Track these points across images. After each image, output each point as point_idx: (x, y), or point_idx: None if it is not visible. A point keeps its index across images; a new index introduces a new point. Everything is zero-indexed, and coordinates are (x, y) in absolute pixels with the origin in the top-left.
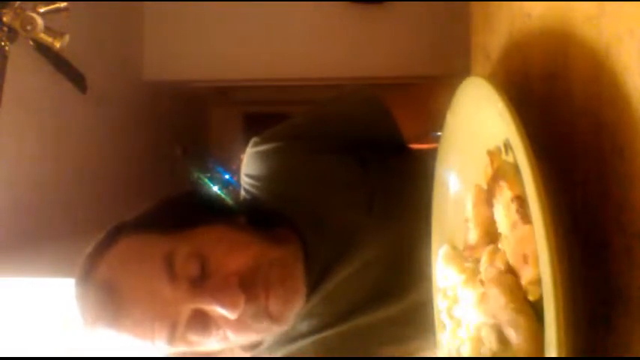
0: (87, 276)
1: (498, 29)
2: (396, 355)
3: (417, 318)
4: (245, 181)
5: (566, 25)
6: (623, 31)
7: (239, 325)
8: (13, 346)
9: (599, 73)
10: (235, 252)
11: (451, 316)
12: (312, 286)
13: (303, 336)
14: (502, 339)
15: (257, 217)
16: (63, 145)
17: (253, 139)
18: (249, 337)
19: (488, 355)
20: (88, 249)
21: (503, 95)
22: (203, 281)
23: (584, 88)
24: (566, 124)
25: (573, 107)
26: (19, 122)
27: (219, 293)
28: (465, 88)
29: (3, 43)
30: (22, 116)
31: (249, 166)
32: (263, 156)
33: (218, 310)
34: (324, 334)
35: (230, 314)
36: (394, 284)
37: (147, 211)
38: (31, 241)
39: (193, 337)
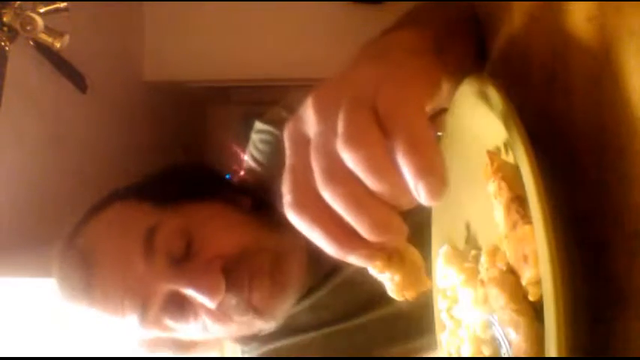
0: (70, 240)
1: (498, 29)
2: (401, 355)
3: (425, 311)
4: (250, 164)
5: (566, 25)
6: (623, 31)
7: (219, 315)
8: (12, 347)
9: (599, 73)
10: (225, 233)
11: (451, 316)
12: (321, 279)
13: (307, 329)
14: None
15: (267, 202)
16: (63, 145)
17: (256, 121)
18: (230, 330)
19: (488, 355)
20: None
21: (503, 95)
22: (184, 262)
23: (584, 88)
24: (566, 123)
25: (573, 107)
26: (19, 122)
27: (199, 277)
28: (464, 87)
29: (3, 43)
30: (22, 116)
31: (253, 150)
32: (264, 140)
33: (195, 295)
34: (330, 329)
35: (208, 302)
36: None
37: (148, 178)
38: (31, 241)
39: (168, 322)
